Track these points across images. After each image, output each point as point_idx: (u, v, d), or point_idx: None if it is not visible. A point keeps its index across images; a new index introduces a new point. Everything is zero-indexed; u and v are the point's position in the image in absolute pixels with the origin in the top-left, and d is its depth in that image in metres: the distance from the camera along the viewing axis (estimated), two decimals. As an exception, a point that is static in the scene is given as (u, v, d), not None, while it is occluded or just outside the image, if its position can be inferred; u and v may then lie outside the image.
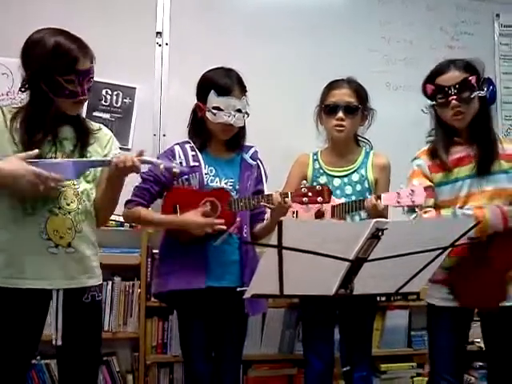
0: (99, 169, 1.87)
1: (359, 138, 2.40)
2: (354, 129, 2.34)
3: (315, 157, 2.38)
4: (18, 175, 1.62)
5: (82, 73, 1.74)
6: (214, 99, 2.08)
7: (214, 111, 2.08)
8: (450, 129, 2.10)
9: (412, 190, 1.93)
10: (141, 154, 1.77)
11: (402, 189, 1.96)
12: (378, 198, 2.03)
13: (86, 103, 1.92)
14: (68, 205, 1.78)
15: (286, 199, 1.95)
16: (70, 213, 1.78)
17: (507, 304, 1.95)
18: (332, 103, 2.28)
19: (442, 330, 2.06)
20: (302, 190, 1.95)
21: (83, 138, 1.84)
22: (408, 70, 3.27)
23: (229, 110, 2.08)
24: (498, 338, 2.04)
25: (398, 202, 1.95)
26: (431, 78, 2.09)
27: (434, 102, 2.08)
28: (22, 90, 1.75)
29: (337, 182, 2.30)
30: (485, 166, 2.02)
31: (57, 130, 1.79)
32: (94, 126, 1.92)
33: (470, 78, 2.02)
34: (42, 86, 1.72)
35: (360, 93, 2.30)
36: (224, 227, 2.01)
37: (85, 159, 1.80)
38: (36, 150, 1.69)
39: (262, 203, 2.01)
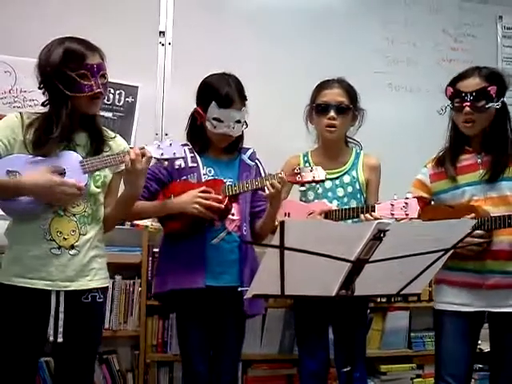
0: (109, 176, 1.89)
1: (349, 140, 2.39)
2: (345, 129, 2.33)
3: (305, 158, 2.38)
4: (44, 185, 1.69)
5: (93, 67, 1.78)
6: (214, 111, 2.06)
7: (214, 122, 2.07)
8: (461, 134, 2.10)
9: (406, 203, 1.92)
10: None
11: (396, 200, 1.95)
12: (372, 209, 2.03)
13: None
14: (73, 208, 1.80)
15: (280, 176, 1.94)
16: (75, 215, 1.80)
17: None
18: (323, 103, 2.27)
19: (449, 333, 2.06)
20: (295, 170, 1.96)
21: (97, 145, 1.86)
22: (410, 71, 3.28)
23: (228, 121, 2.07)
24: (505, 341, 2.03)
25: (392, 214, 1.95)
26: (454, 81, 2.08)
27: (450, 105, 2.09)
28: (42, 91, 1.81)
29: (328, 184, 2.28)
30: (495, 173, 2.02)
31: (72, 135, 1.82)
32: (110, 134, 1.94)
33: (490, 88, 1.99)
34: (58, 85, 1.75)
35: (351, 93, 2.29)
36: (217, 205, 1.99)
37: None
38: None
39: (255, 186, 2.00)
